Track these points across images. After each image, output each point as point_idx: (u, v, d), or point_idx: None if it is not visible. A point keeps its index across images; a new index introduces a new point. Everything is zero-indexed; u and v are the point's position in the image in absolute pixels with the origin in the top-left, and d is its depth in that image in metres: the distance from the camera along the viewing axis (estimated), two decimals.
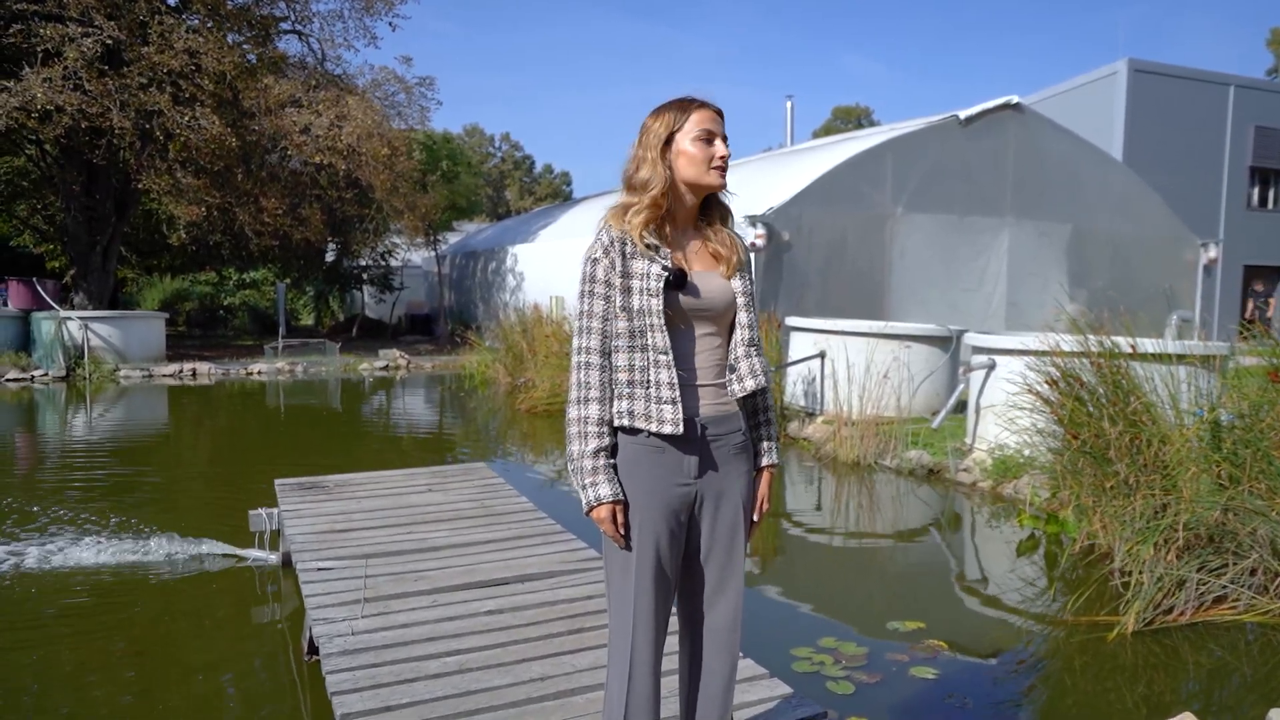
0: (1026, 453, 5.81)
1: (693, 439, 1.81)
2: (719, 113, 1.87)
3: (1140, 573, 3.83)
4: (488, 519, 4.13)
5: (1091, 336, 4.56)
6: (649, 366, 1.78)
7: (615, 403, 1.79)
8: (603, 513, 1.77)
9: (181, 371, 14.04)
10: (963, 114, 11.95)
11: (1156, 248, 14.01)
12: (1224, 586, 3.82)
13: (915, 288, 11.71)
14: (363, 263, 22.74)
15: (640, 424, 1.77)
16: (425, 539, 3.80)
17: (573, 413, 1.80)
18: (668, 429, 1.76)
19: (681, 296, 1.80)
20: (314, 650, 2.86)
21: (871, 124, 51.14)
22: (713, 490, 1.86)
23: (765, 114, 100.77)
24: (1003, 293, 12.44)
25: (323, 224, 17.65)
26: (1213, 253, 14.64)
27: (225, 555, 4.62)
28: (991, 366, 6.70)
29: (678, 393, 1.77)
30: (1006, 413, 5.77)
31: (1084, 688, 3.28)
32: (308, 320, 27.43)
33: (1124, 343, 4.57)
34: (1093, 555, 4.57)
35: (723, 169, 1.84)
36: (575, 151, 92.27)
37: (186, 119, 13.80)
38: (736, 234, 1.95)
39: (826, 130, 48.85)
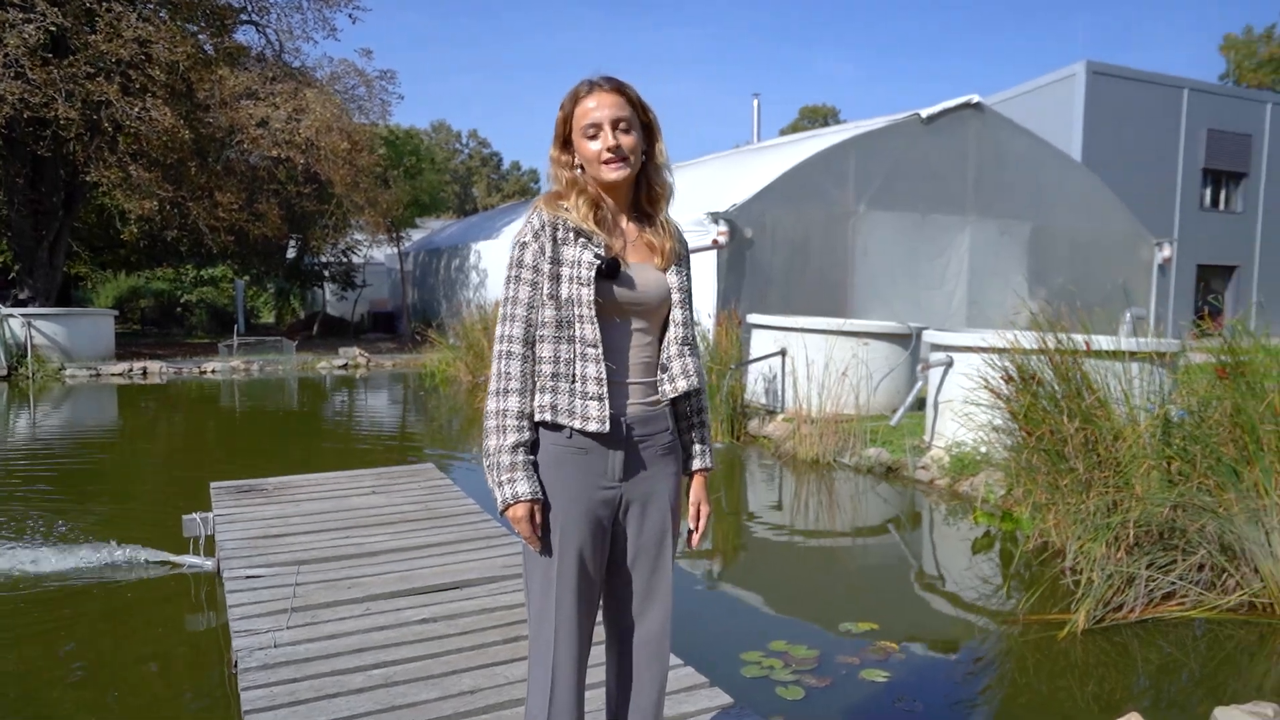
0: (983, 449, 5.80)
1: (618, 439, 1.70)
2: (615, 90, 1.68)
3: (1091, 570, 3.81)
4: (430, 522, 4.00)
5: (1047, 333, 4.54)
6: (575, 359, 1.67)
7: (537, 396, 1.68)
8: (519, 511, 1.65)
9: (131, 370, 13.65)
10: (924, 112, 11.99)
11: (1114, 246, 14.20)
12: (1173, 583, 3.81)
13: (878, 285, 11.73)
14: (324, 259, 22.36)
15: (563, 420, 1.67)
16: (363, 544, 3.66)
17: (491, 405, 1.68)
18: (592, 426, 1.65)
19: (615, 288, 1.69)
20: None
21: (838, 123, 51.48)
22: (639, 494, 1.76)
23: (735, 112, 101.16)
24: (964, 291, 12.51)
25: (281, 220, 17.30)
26: (1167, 251, 14.88)
27: (160, 562, 4.44)
28: (949, 364, 6.69)
29: (605, 389, 1.67)
30: (964, 410, 5.75)
31: (1034, 687, 3.25)
32: (268, 318, 26.95)
33: (1079, 339, 4.56)
34: (1046, 553, 4.55)
35: (614, 160, 1.67)
36: (544, 148, 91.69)
37: (136, 110, 13.42)
38: (674, 223, 1.84)
39: (794, 129, 49.10)
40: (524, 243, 1.70)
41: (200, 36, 15.92)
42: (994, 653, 3.59)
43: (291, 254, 22.28)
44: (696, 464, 1.87)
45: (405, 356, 16.39)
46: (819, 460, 7.17)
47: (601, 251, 1.68)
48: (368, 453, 7.97)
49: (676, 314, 1.78)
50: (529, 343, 1.68)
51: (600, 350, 1.66)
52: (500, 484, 1.65)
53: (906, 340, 8.41)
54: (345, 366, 15.36)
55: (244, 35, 17.78)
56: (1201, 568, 3.86)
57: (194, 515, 4.27)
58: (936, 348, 7.05)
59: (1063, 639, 3.55)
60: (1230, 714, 2.80)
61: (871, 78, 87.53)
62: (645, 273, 1.75)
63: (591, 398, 1.66)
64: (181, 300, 24.45)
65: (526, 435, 1.67)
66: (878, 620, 3.76)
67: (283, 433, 9.42)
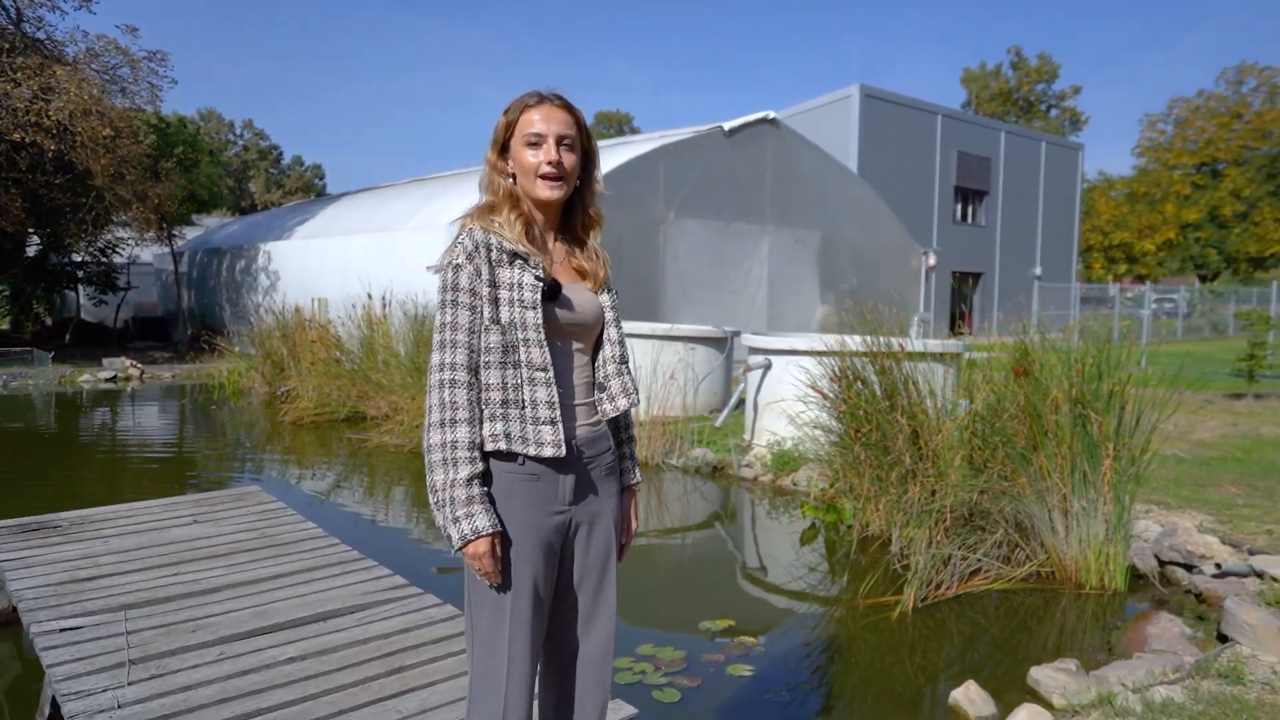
0: (804, 446, 6.22)
1: (571, 462, 1.70)
2: (564, 107, 1.68)
3: (918, 555, 4.22)
4: (272, 550, 3.69)
5: (869, 337, 4.97)
6: (523, 384, 1.63)
7: (486, 424, 1.63)
8: (482, 546, 1.59)
9: None
10: (726, 125, 12.65)
11: (889, 254, 15.72)
12: (979, 560, 4.31)
13: (688, 290, 12.23)
14: (77, 259, 19.75)
15: (517, 447, 1.62)
16: (198, 579, 3.30)
17: (436, 437, 1.60)
18: (548, 451, 1.63)
19: (556, 310, 1.67)
20: None
21: (633, 130, 53.01)
22: (587, 515, 1.76)
23: None
24: (764, 295, 13.33)
25: (24, 213, 15.09)
26: (932, 260, 16.69)
27: None
28: (768, 366, 7.11)
29: (557, 412, 1.65)
30: (784, 409, 6.14)
31: (874, 664, 3.56)
32: (3, 324, 23.48)
33: (895, 342, 5.03)
34: (873, 541, 4.98)
35: (550, 177, 1.66)
36: (329, 143, 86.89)
37: None
38: (602, 248, 1.84)
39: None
40: (457, 265, 1.64)
41: None
42: (842, 636, 3.88)
43: (32, 251, 19.47)
44: (627, 480, 1.89)
45: (185, 366, 14.90)
46: (647, 462, 7.35)
47: (540, 273, 1.66)
48: (169, 477, 7.17)
49: (612, 332, 1.80)
50: (473, 369, 1.63)
51: (550, 374, 1.64)
52: (456, 520, 1.58)
53: (723, 344, 8.84)
54: (114, 379, 13.69)
55: None
56: (1000, 544, 4.40)
57: None
58: (754, 350, 7.47)
59: (895, 619, 3.91)
60: (1043, 671, 3.23)
61: (662, 86, 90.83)
62: (579, 293, 1.75)
63: (544, 422, 1.63)
64: None
65: (479, 466, 1.61)
66: (733, 616, 3.94)
67: (53, 460, 8.24)
